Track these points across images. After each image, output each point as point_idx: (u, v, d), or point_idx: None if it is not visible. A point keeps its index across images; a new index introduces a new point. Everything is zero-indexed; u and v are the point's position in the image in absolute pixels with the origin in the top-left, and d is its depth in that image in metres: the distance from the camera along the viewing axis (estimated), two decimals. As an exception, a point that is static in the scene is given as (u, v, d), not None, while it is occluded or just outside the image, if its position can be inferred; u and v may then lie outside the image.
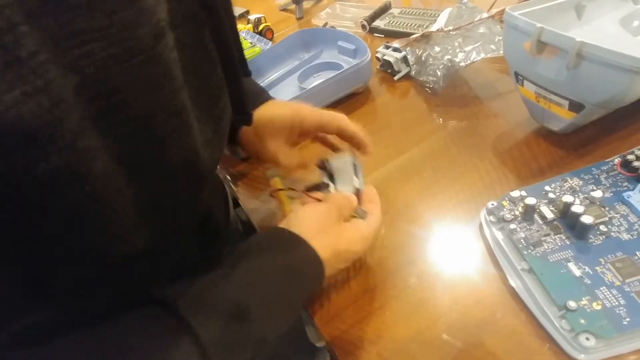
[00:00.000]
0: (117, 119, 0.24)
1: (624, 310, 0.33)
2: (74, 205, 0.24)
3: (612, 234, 0.38)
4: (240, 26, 0.97)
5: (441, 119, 0.60)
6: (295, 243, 0.36)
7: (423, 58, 0.66)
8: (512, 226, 0.40)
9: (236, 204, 0.70)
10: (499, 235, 0.40)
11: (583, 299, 0.34)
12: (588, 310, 0.33)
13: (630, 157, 0.43)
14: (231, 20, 0.39)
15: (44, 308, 0.30)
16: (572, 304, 0.33)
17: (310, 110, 0.49)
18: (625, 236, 0.38)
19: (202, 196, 0.40)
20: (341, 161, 0.46)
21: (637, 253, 0.36)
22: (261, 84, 0.62)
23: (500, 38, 0.61)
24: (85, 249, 0.27)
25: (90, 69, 0.22)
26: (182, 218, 0.37)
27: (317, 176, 0.47)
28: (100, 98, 0.23)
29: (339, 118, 0.47)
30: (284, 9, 1.09)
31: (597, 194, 0.40)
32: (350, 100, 0.67)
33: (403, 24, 0.82)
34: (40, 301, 0.29)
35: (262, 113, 0.49)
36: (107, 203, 0.25)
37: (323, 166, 0.47)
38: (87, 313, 0.32)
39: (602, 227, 0.38)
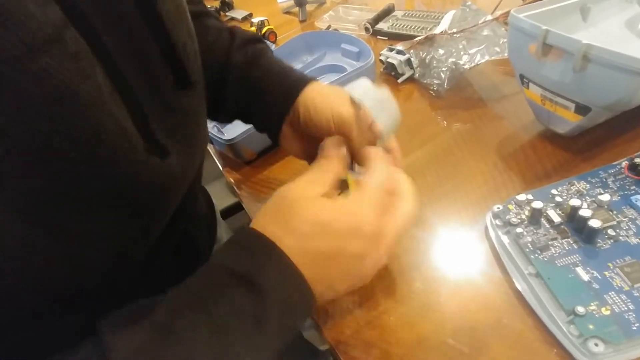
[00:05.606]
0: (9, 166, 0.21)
1: (633, 315, 0.32)
2: None
3: (621, 238, 0.37)
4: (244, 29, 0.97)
5: (445, 122, 0.59)
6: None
7: (427, 60, 0.66)
8: (519, 230, 0.40)
9: (225, 215, 0.68)
10: (505, 239, 0.40)
11: (591, 304, 0.33)
12: (597, 315, 0.33)
13: (638, 160, 0.42)
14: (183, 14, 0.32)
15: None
16: (580, 309, 0.33)
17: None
18: (634, 240, 0.37)
19: (154, 226, 0.34)
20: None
21: (646, 257, 0.36)
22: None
23: (505, 40, 0.60)
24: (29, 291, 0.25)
25: None
26: (130, 252, 0.33)
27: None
28: None
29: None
30: (287, 12, 1.09)
31: (605, 197, 0.40)
32: (353, 103, 0.67)
33: (407, 27, 0.82)
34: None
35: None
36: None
37: None
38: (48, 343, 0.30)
39: (610, 231, 0.38)
